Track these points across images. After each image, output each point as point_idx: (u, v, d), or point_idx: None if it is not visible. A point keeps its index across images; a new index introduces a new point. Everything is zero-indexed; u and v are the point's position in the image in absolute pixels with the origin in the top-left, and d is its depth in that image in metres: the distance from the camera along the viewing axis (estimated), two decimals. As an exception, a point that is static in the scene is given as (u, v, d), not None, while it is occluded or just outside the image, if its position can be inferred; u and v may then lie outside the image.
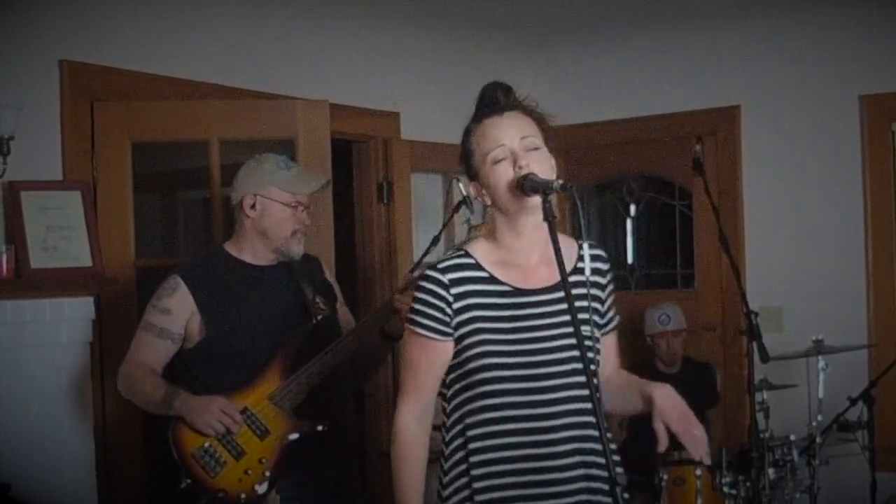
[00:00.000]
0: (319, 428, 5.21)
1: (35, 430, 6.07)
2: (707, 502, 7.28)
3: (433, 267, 3.89)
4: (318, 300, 5.47)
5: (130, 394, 5.36)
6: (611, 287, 4.03)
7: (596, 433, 3.66)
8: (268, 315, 5.40)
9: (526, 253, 3.85)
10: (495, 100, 3.87)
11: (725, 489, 7.25)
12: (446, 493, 3.93)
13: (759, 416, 7.10)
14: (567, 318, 3.63)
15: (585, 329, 3.56)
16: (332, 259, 6.78)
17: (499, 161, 3.71)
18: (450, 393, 3.93)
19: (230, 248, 5.54)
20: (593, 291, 3.84)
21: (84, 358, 6.31)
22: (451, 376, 3.91)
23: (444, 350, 3.84)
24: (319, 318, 5.43)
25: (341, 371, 5.50)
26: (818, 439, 7.47)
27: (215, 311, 5.33)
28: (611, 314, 4.02)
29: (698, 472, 7.29)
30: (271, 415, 5.20)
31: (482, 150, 3.78)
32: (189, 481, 5.09)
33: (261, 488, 5.12)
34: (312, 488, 5.37)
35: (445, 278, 3.79)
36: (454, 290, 3.77)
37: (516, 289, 3.82)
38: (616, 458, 3.69)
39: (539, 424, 3.75)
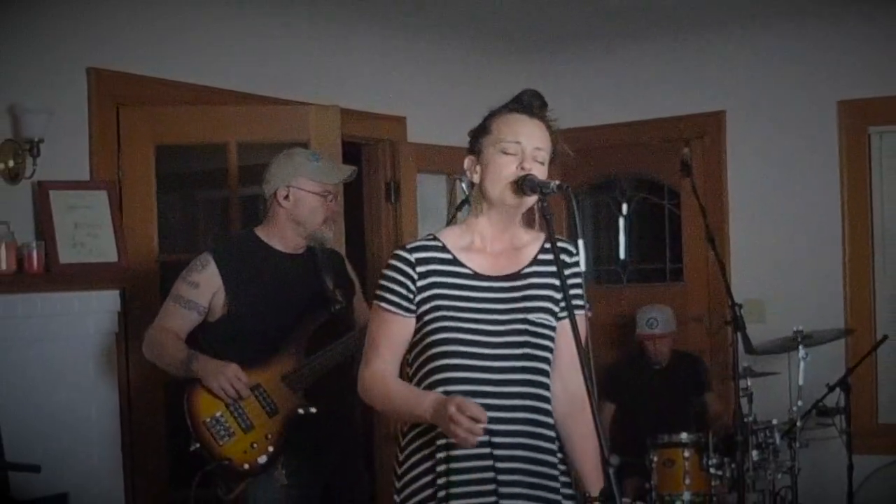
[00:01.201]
0: (312, 410, 5.27)
1: (65, 414, 6.13)
2: (695, 482, 7.27)
3: (401, 247, 3.97)
4: (337, 293, 5.53)
5: (154, 355, 5.44)
6: (578, 276, 3.91)
7: (545, 417, 3.88)
8: (288, 300, 5.45)
9: (492, 240, 3.92)
10: (530, 105, 3.90)
11: (712, 470, 7.24)
12: (404, 467, 3.99)
13: (744, 402, 7.10)
14: (521, 304, 3.82)
15: (539, 316, 3.80)
16: (342, 252, 6.73)
17: (507, 153, 3.76)
18: (411, 371, 3.96)
19: (261, 233, 5.59)
20: (549, 280, 3.89)
21: (110, 347, 6.34)
22: (413, 353, 3.96)
23: (405, 326, 3.90)
24: (337, 308, 5.49)
25: (351, 361, 5.43)
26: (798, 424, 7.48)
27: (240, 289, 5.39)
28: (577, 303, 3.80)
29: (686, 454, 7.30)
30: (282, 395, 5.27)
31: (499, 135, 3.82)
32: (198, 446, 5.17)
33: (262, 461, 5.19)
34: (317, 468, 5.41)
35: (412, 257, 3.86)
36: (419, 269, 3.84)
37: (477, 273, 3.88)
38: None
39: (490, 402, 3.74)
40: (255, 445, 5.21)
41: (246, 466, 5.19)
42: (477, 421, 3.47)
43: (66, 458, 6.03)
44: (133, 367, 6.24)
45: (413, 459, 3.94)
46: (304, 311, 5.45)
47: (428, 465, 3.87)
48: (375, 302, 3.94)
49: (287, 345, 5.37)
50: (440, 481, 3.81)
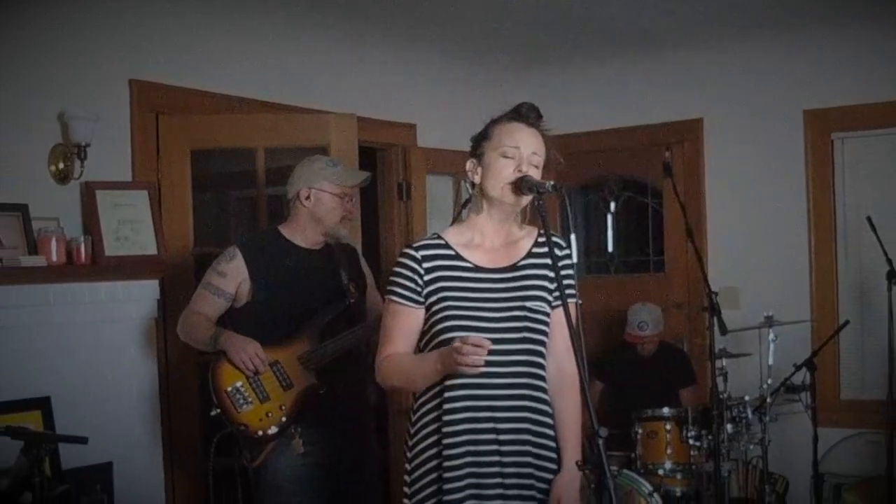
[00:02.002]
0: (323, 391, 5.35)
1: (109, 391, 6.16)
2: (675, 453, 7.31)
3: (409, 246, 4.04)
4: (351, 286, 5.60)
5: (186, 334, 5.52)
6: (570, 268, 3.99)
7: (541, 393, 3.93)
8: (306, 290, 5.52)
9: (492, 235, 3.99)
10: (527, 115, 3.97)
11: (691, 441, 7.27)
12: (414, 440, 4.03)
13: (719, 380, 7.10)
14: (518, 293, 3.89)
15: (535, 303, 3.87)
16: (359, 248, 6.72)
17: (507, 157, 3.84)
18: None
19: (283, 230, 5.64)
20: (543, 272, 3.96)
21: (150, 331, 6.37)
22: (423, 341, 4.01)
23: (415, 317, 3.96)
24: (351, 301, 5.55)
25: (362, 346, 5.61)
26: (768, 399, 7.46)
27: (263, 280, 5.45)
28: (568, 291, 3.86)
29: (668, 427, 7.35)
30: (297, 371, 5.34)
31: (499, 141, 3.89)
32: (219, 411, 5.25)
33: (273, 430, 5.26)
34: (332, 440, 5.43)
35: (419, 255, 3.94)
36: (426, 265, 3.92)
37: (477, 266, 3.95)
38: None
39: (492, 381, 3.83)
40: (269, 414, 5.28)
41: (260, 433, 5.27)
42: (479, 346, 3.52)
43: (111, 431, 6.05)
44: (170, 349, 6.25)
45: (422, 433, 3.97)
46: (321, 301, 5.51)
47: (435, 438, 3.90)
48: (387, 296, 4.00)
49: (304, 329, 5.43)
50: (446, 452, 3.84)
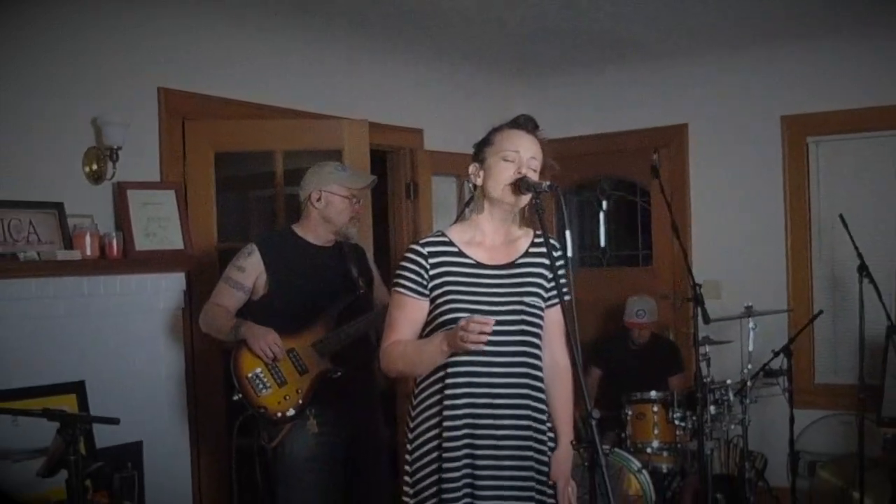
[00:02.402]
0: (338, 374, 5.41)
1: (139, 375, 6.15)
2: (662, 432, 7.32)
3: (415, 242, 4.05)
4: (360, 280, 5.63)
5: (208, 326, 5.56)
6: (560, 269, 3.97)
7: (537, 382, 3.94)
8: (318, 284, 5.56)
9: (492, 234, 4.01)
10: (525, 125, 4.01)
11: (676, 422, 7.31)
12: (416, 422, 4.03)
13: (703, 365, 7.11)
14: (516, 289, 3.94)
15: (532, 299, 3.90)
16: (370, 242, 6.83)
17: (507, 160, 3.88)
18: None
19: (297, 229, 5.69)
20: (539, 270, 3.99)
21: (177, 320, 6.35)
22: (426, 332, 4.00)
23: (419, 308, 3.97)
24: (360, 293, 5.59)
25: (371, 334, 5.64)
26: (748, 383, 7.47)
27: (278, 274, 5.52)
28: (563, 290, 3.86)
29: (655, 408, 7.37)
30: (312, 358, 5.39)
31: (500, 146, 3.93)
32: (240, 396, 5.29)
33: (291, 412, 5.32)
34: (344, 420, 5.49)
35: (425, 250, 3.95)
36: (431, 260, 3.92)
37: (479, 263, 3.96)
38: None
39: (492, 370, 3.86)
40: (287, 398, 5.33)
41: (278, 415, 5.32)
42: (485, 324, 3.53)
43: (141, 412, 6.03)
44: (196, 338, 6.23)
45: (423, 415, 3.98)
46: (332, 294, 5.55)
47: (436, 420, 3.91)
48: (394, 289, 4.01)
49: (317, 319, 5.47)
50: (446, 434, 3.85)
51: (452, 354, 3.78)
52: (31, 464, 5.19)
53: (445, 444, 3.85)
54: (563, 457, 3.99)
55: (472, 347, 3.58)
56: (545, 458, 3.95)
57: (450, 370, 3.85)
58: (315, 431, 5.40)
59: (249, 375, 5.31)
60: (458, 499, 3.83)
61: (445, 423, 3.85)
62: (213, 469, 6.48)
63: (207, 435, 6.48)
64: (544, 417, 3.95)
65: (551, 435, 4.00)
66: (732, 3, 7.15)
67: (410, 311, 3.96)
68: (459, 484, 3.83)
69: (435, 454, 3.90)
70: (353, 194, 5.58)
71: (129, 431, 5.61)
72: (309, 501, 5.43)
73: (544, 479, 3.94)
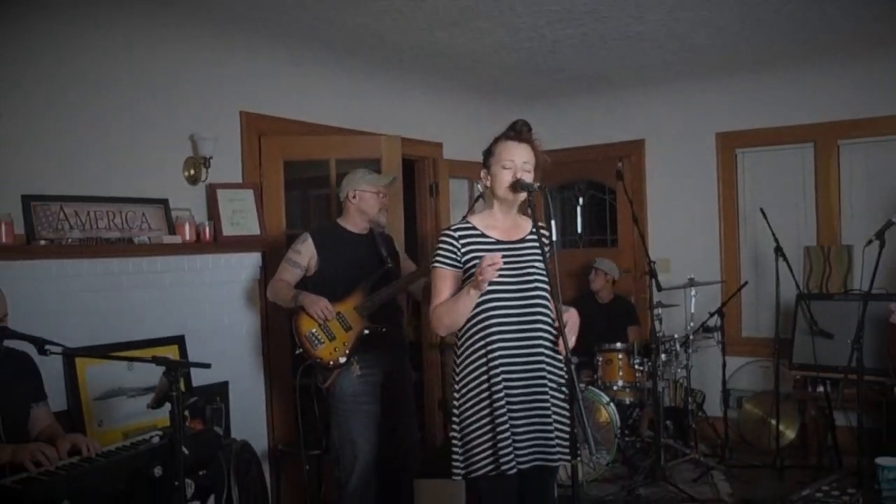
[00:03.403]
0: (384, 330, 5.45)
1: (226, 331, 6.17)
2: (625, 374, 7.36)
3: (448, 229, 4.11)
4: (387, 258, 5.62)
5: (273, 296, 5.56)
6: (550, 247, 4.11)
7: (548, 318, 4.01)
8: (357, 262, 5.56)
9: (503, 220, 4.10)
10: (520, 130, 4.08)
11: (636, 366, 7.36)
12: (461, 367, 4.05)
13: (656, 323, 7.13)
14: (527, 259, 4.04)
15: (538, 266, 4.00)
16: (402, 229, 6.81)
17: (506, 168, 3.99)
18: None
19: (340, 221, 5.70)
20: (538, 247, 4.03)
21: (255, 289, 6.34)
22: None
23: (455, 277, 4.04)
24: (388, 267, 5.58)
25: (397, 298, 5.72)
26: (691, 337, 7.50)
27: (326, 255, 5.53)
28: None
29: (620, 356, 7.41)
30: (354, 318, 5.40)
31: (500, 156, 4.03)
32: (300, 351, 5.37)
33: (342, 360, 5.37)
34: (379, 364, 5.49)
35: (456, 234, 4.04)
36: (461, 241, 4.01)
37: (497, 240, 4.04)
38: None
39: (515, 320, 3.97)
40: (336, 349, 5.36)
41: (330, 363, 5.36)
42: (494, 262, 3.70)
43: (227, 359, 6.04)
44: (268, 302, 6.18)
45: (470, 350, 4.02)
46: (368, 268, 5.56)
47: (481, 362, 3.96)
48: (433, 266, 4.08)
49: (357, 288, 5.46)
50: (493, 372, 3.92)
51: (483, 328, 3.95)
52: (142, 399, 5.26)
53: (492, 373, 3.92)
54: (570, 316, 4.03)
55: (490, 277, 3.72)
56: (554, 371, 4.00)
57: (492, 321, 3.95)
58: (358, 374, 5.41)
59: (307, 334, 5.34)
60: (502, 406, 3.88)
61: (490, 356, 3.93)
62: (281, 403, 6.45)
63: (277, 376, 6.44)
64: (551, 344, 4.01)
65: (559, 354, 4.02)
66: (676, 49, 7.12)
67: (448, 280, 4.02)
68: (501, 394, 3.90)
69: (483, 384, 3.95)
70: (379, 190, 5.61)
71: (217, 374, 5.60)
72: (353, 427, 5.42)
73: (555, 385, 4.00)
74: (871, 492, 4.40)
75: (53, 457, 3.78)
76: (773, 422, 7.46)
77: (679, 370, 7.69)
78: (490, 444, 3.89)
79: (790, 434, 7.70)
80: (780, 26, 6.51)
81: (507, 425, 3.85)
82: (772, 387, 7.43)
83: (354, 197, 5.58)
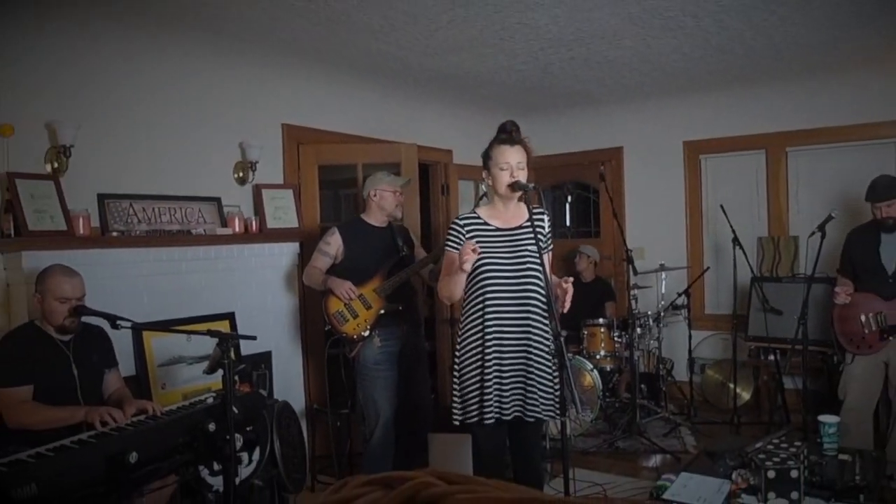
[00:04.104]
0: (400, 308, 5.43)
1: (270, 308, 6.15)
2: (606, 345, 7.25)
3: (456, 219, 4.13)
4: (403, 247, 5.61)
5: (308, 280, 5.56)
6: (549, 231, 4.14)
7: (539, 296, 3.97)
8: (377, 251, 5.54)
9: (503, 211, 4.07)
10: (511, 131, 4.08)
11: (615, 338, 7.25)
12: (462, 333, 4.09)
13: (633, 302, 7.07)
14: (523, 243, 4.00)
15: (533, 249, 3.93)
16: (418, 222, 6.80)
17: (503, 170, 3.95)
18: (467, 284, 4.04)
19: (363, 216, 5.66)
20: (537, 230, 3.93)
21: (293, 272, 6.30)
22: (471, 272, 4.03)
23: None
24: (403, 254, 5.58)
25: (411, 280, 5.69)
26: (662, 314, 7.44)
27: (351, 246, 5.53)
28: (549, 244, 4.12)
29: (602, 329, 7.30)
30: (374, 298, 5.39)
31: (496, 160, 3.99)
32: (329, 327, 5.41)
33: (364, 334, 5.36)
34: (396, 336, 5.50)
35: (462, 223, 4.07)
36: (465, 229, 4.04)
37: (498, 228, 4.04)
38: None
39: (512, 296, 3.97)
40: (359, 325, 5.35)
41: (355, 337, 5.35)
42: (470, 251, 3.75)
43: (270, 331, 6.05)
44: (305, 285, 6.22)
45: (467, 327, 4.05)
46: (386, 256, 5.54)
47: (478, 329, 4.00)
48: (445, 248, 4.09)
49: (376, 273, 5.45)
50: (487, 339, 3.97)
51: (483, 302, 3.99)
52: (199, 365, 5.24)
53: (486, 339, 3.96)
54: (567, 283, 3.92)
55: (466, 261, 3.75)
56: (541, 339, 4.00)
57: (487, 294, 3.96)
58: (378, 345, 5.40)
59: (334, 313, 5.35)
60: (491, 367, 3.95)
61: (486, 325, 3.97)
62: (315, 370, 6.43)
63: (312, 347, 6.41)
64: (544, 315, 3.99)
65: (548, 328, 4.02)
66: (649, 71, 7.07)
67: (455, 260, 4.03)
68: (492, 356, 3.96)
69: (478, 347, 4.00)
70: (396, 189, 5.58)
71: (262, 344, 5.64)
72: (375, 390, 5.42)
73: (540, 351, 4.00)
74: (814, 444, 4.37)
75: (119, 418, 3.82)
76: (731, 385, 7.44)
77: (652, 342, 7.68)
78: (478, 397, 3.98)
79: (746, 395, 7.66)
80: (735, 52, 6.48)
81: (492, 383, 3.95)
82: (730, 356, 7.42)
83: (375, 195, 5.55)
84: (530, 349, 3.97)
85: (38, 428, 3.78)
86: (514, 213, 4.07)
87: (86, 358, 4.15)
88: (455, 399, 4.08)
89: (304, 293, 6.33)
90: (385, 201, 5.56)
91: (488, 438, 4.04)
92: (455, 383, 4.09)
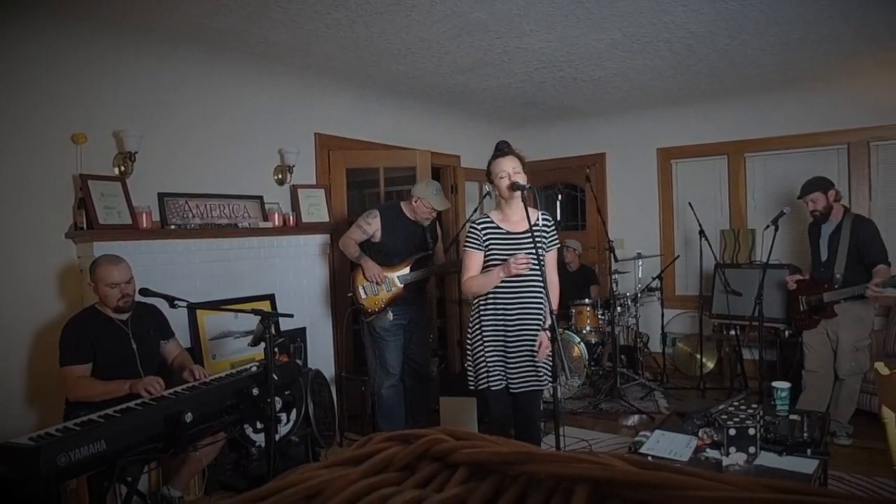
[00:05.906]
0: (410, 297, 5.48)
1: (304, 288, 6.10)
2: (592, 321, 7.18)
3: (474, 222, 4.04)
4: (431, 242, 5.58)
5: (343, 247, 5.50)
6: (554, 231, 4.10)
7: (541, 293, 3.94)
8: (408, 241, 5.50)
9: (511, 215, 4.00)
10: (504, 146, 4.03)
11: (599, 316, 7.20)
12: (472, 316, 4.09)
13: (614, 285, 7.02)
14: (525, 242, 3.97)
15: (539, 250, 3.86)
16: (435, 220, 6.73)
17: (502, 178, 3.91)
18: None
19: (402, 206, 5.60)
20: (541, 233, 3.98)
21: (324, 261, 6.24)
22: (483, 268, 4.01)
23: (480, 257, 4.00)
24: (430, 251, 5.58)
25: (434, 275, 5.77)
26: (639, 295, 7.40)
27: (387, 230, 5.47)
28: (554, 242, 4.08)
29: (588, 308, 7.24)
30: (395, 283, 5.42)
31: (496, 171, 3.98)
32: (351, 295, 5.45)
33: (377, 309, 5.40)
34: (407, 313, 5.53)
35: (479, 226, 3.98)
36: (483, 232, 3.97)
37: (507, 231, 3.98)
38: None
39: (519, 290, 3.93)
40: (375, 303, 5.38)
41: (371, 309, 5.39)
42: (524, 261, 3.78)
43: (305, 309, 6.02)
44: (335, 267, 6.18)
45: (476, 311, 4.04)
46: (415, 248, 5.53)
47: (485, 313, 4.00)
48: (464, 248, 4.07)
49: (404, 262, 5.43)
50: (494, 322, 3.99)
51: (489, 299, 4.00)
52: (244, 339, 5.23)
53: (494, 322, 3.98)
54: (546, 337, 3.96)
55: (516, 271, 3.77)
56: (538, 326, 4.00)
57: (494, 295, 3.97)
58: (391, 319, 5.42)
59: (360, 284, 5.38)
60: (492, 344, 3.99)
61: (494, 309, 3.97)
62: (343, 343, 6.42)
63: (340, 324, 6.37)
64: (542, 312, 3.98)
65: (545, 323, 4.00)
66: (628, 88, 7.00)
67: (475, 259, 4.00)
68: (499, 340, 3.99)
69: (488, 330, 4.00)
70: (433, 207, 5.48)
71: (299, 321, 5.67)
72: (387, 351, 5.50)
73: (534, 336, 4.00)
74: (769, 406, 4.35)
75: (158, 388, 3.80)
76: (698, 356, 7.42)
77: (630, 319, 7.63)
78: (485, 368, 4.01)
79: (710, 365, 7.63)
80: (702, 72, 6.43)
81: (496, 357, 4.00)
82: (697, 331, 7.40)
83: (417, 201, 5.46)
84: (529, 330, 3.98)
85: (92, 400, 3.78)
86: (520, 218, 4.02)
87: (144, 332, 4.15)
88: (469, 370, 4.11)
89: (335, 279, 6.31)
90: (420, 210, 5.47)
91: (496, 402, 4.06)
92: (468, 357, 4.12)
